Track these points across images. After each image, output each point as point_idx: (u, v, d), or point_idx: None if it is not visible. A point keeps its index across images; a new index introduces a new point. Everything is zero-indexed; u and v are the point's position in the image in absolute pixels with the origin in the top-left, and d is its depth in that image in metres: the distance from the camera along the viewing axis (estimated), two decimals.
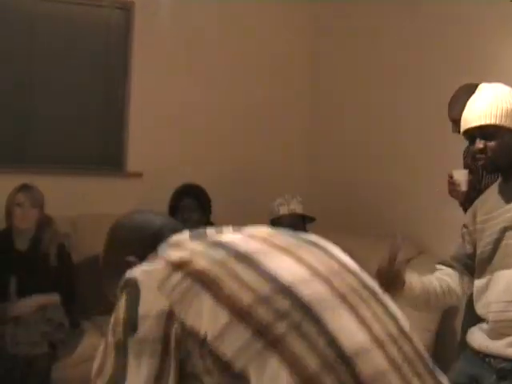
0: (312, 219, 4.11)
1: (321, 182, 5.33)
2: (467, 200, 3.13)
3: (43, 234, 4.05)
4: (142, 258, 1.48)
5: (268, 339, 1.21)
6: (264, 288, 1.27)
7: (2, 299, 3.87)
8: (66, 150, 4.98)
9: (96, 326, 4.19)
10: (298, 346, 1.21)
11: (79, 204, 4.79)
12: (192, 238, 1.44)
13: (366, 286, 1.39)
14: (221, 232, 1.46)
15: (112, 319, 1.41)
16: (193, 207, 4.27)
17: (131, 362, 1.30)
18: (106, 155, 5.11)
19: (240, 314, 1.24)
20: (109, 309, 4.88)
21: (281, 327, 1.22)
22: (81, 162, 5.03)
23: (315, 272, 1.34)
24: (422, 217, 4.33)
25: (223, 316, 1.24)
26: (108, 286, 1.64)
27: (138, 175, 5.03)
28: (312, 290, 1.29)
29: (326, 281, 1.33)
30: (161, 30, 5.05)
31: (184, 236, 1.46)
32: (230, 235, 1.44)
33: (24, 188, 3.99)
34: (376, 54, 4.85)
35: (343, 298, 1.31)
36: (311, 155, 5.44)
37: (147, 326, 1.29)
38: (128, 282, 1.37)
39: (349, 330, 1.26)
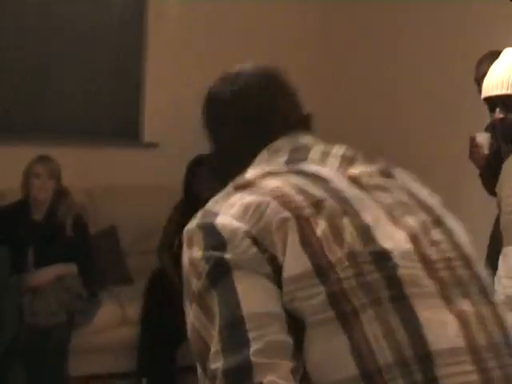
0: None
1: None
2: (487, 165, 3.08)
3: (59, 204, 4.06)
4: None
5: (341, 311, 1.07)
6: (359, 247, 1.11)
7: (20, 270, 3.90)
8: (83, 121, 4.98)
9: (113, 296, 4.23)
10: (371, 329, 1.06)
11: (95, 175, 4.80)
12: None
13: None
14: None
15: (186, 268, 1.20)
16: (209, 177, 4.26)
17: (236, 285, 1.10)
18: (122, 126, 5.11)
19: (322, 270, 1.09)
20: (124, 279, 4.93)
21: (360, 301, 1.08)
22: (97, 133, 5.03)
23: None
24: (437, 174, 4.30)
25: (304, 263, 1.09)
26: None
27: (154, 146, 5.03)
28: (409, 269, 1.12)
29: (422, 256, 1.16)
30: (178, 1, 5.01)
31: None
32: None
33: (41, 159, 4.00)
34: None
35: (441, 284, 1.14)
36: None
37: (237, 247, 1.13)
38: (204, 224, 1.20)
39: (439, 323, 1.09)
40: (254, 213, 1.15)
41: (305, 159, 1.28)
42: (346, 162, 1.28)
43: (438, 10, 4.42)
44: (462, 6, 4.20)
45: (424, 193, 1.30)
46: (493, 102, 2.26)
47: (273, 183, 1.20)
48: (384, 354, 1.05)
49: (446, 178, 4.18)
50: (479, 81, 3.09)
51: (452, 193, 4.07)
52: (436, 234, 1.20)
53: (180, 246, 4.29)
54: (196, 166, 4.30)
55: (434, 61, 4.46)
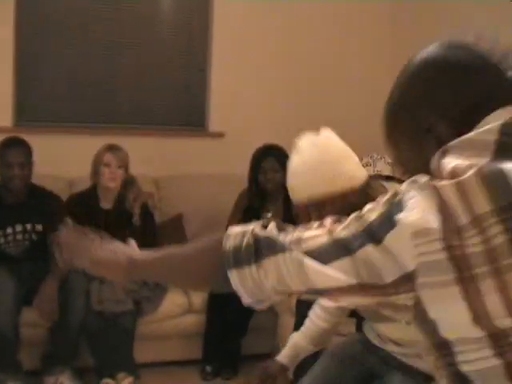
0: (400, 181, 4.02)
1: None
2: None
3: (127, 193, 4.11)
4: None
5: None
6: None
7: None
8: (150, 110, 5.03)
9: None
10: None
11: (162, 164, 4.84)
12: None
13: None
14: None
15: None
16: (275, 167, 4.24)
17: None
18: (189, 116, 5.14)
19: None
20: None
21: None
22: (164, 123, 5.07)
23: None
24: None
25: None
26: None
27: (220, 135, 5.04)
28: None
29: None
30: None
31: None
32: None
33: (111, 148, 4.05)
34: None
35: None
36: None
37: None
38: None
39: None
40: None
41: None
42: None
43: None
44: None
45: None
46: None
47: None
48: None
49: None
50: None
51: None
52: None
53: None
54: (262, 156, 4.28)
55: None
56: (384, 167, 3.90)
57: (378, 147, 4.57)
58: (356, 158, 2.15)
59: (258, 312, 4.12)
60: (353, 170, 2.11)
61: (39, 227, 3.94)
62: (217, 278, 1.29)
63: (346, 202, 2.02)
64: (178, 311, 4.11)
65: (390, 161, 3.92)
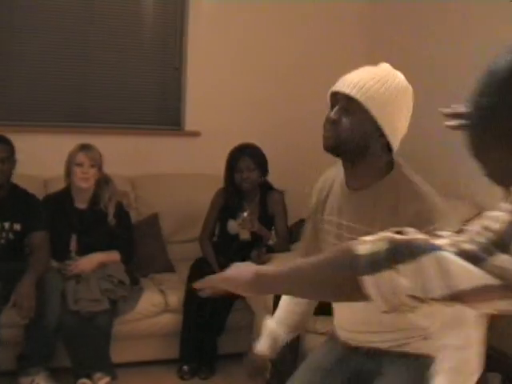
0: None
1: None
2: None
3: (102, 192, 4.10)
4: None
5: None
6: None
7: (63, 257, 3.95)
8: (125, 109, 5.01)
9: (154, 283, 4.26)
10: None
11: (138, 163, 4.83)
12: None
13: None
14: None
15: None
16: (251, 167, 4.26)
17: None
18: (164, 115, 5.13)
19: None
20: (166, 267, 4.96)
21: None
22: (139, 122, 5.06)
23: None
24: (481, 176, 4.23)
25: None
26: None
27: (196, 134, 5.03)
28: None
29: None
30: None
31: None
32: None
33: (83, 148, 4.04)
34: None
35: None
36: None
37: None
38: None
39: None
40: None
41: None
42: None
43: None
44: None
45: None
46: (335, 99, 2.07)
47: None
48: None
49: None
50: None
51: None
52: None
53: (220, 235, 4.28)
54: (238, 155, 4.29)
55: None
56: None
57: None
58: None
59: (235, 311, 4.14)
60: (403, 126, 2.09)
61: (18, 226, 3.91)
62: (346, 288, 1.29)
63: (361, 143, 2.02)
64: (155, 311, 4.10)
65: None
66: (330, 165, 3.93)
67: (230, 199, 4.32)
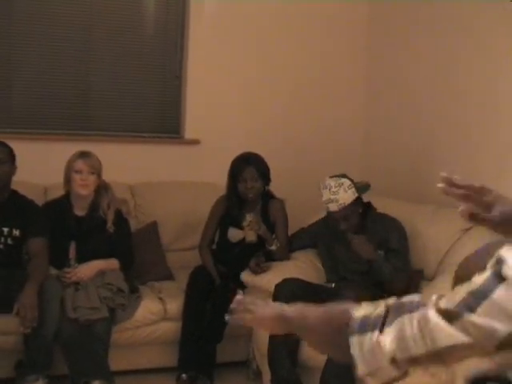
0: (366, 187, 4.01)
1: (379, 148, 5.25)
2: None
3: (101, 200, 4.10)
4: None
5: None
6: None
7: (62, 264, 3.94)
8: (125, 117, 5.02)
9: (153, 291, 4.25)
10: None
11: (137, 171, 4.83)
12: None
13: None
14: None
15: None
16: (255, 177, 4.24)
17: None
18: (164, 123, 5.14)
19: None
20: (165, 275, 4.95)
21: None
22: (139, 130, 5.06)
23: None
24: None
25: None
26: None
27: (196, 142, 5.04)
28: None
29: None
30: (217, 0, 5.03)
31: None
32: None
33: (82, 155, 4.04)
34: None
35: None
36: (367, 129, 5.37)
37: None
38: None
39: None
40: None
41: None
42: None
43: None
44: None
45: None
46: None
47: None
48: None
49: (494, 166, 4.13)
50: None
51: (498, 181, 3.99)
52: None
53: (219, 243, 4.30)
54: (242, 165, 4.26)
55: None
56: (346, 196, 3.85)
57: (351, 154, 4.63)
58: None
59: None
60: None
61: (17, 232, 3.91)
62: (339, 346, 1.31)
63: None
64: (154, 318, 4.10)
65: (348, 183, 3.91)
66: (328, 174, 3.96)
67: (232, 208, 4.31)
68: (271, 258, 4.17)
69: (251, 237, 4.13)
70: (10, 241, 3.91)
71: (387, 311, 1.25)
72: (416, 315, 1.21)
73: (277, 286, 3.73)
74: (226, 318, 1.64)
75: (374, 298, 3.87)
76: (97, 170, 4.04)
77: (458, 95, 4.46)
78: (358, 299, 3.72)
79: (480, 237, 3.81)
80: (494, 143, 4.14)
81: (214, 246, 4.45)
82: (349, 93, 5.35)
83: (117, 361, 3.91)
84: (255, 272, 4.03)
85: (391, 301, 1.28)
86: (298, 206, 4.58)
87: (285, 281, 3.74)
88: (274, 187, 4.39)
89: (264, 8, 5.08)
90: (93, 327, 3.76)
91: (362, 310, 1.30)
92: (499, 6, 3.88)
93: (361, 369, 1.26)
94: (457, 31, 4.41)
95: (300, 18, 5.19)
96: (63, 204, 4.10)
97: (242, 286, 4.12)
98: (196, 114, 5.04)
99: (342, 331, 1.29)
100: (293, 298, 3.54)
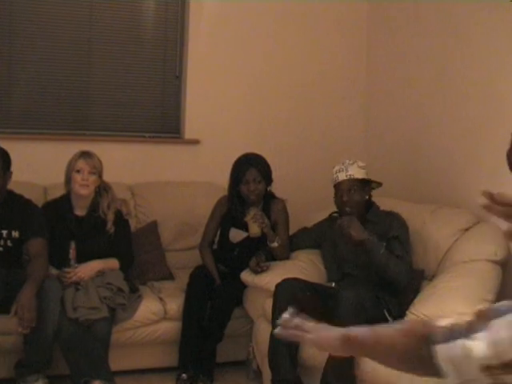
0: (378, 184, 4.04)
1: (379, 148, 5.25)
2: None
3: (101, 200, 4.10)
4: None
5: None
6: None
7: (62, 264, 3.94)
8: (125, 117, 5.02)
9: (153, 291, 4.25)
10: None
11: (137, 171, 4.83)
12: None
13: None
14: None
15: None
16: (258, 178, 4.22)
17: None
18: (164, 123, 5.14)
19: None
20: (165, 275, 4.95)
21: None
22: (139, 130, 5.06)
23: None
24: (481, 186, 4.23)
25: None
26: None
27: (196, 142, 5.04)
28: None
29: None
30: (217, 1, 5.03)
31: None
32: None
33: (83, 155, 4.03)
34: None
35: None
36: (367, 128, 5.37)
37: None
38: None
39: None
40: None
41: None
42: None
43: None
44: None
45: None
46: None
47: None
48: None
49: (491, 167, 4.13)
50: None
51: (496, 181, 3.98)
52: None
53: (220, 243, 4.31)
54: (245, 166, 4.23)
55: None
56: (356, 171, 3.92)
57: (351, 154, 4.63)
58: None
59: (234, 319, 4.13)
60: None
61: (16, 234, 3.91)
62: (421, 359, 1.27)
63: None
64: (154, 318, 4.10)
65: (362, 164, 3.96)
66: (330, 174, 3.96)
67: (234, 209, 4.30)
68: (271, 257, 4.17)
69: (255, 230, 4.11)
70: (9, 243, 3.90)
71: (477, 317, 1.21)
72: (506, 319, 1.16)
73: (277, 285, 3.72)
74: (276, 331, 1.61)
75: (374, 297, 3.86)
76: (98, 171, 4.04)
77: (459, 94, 4.46)
78: (359, 298, 3.71)
79: (480, 237, 3.84)
80: (494, 142, 4.14)
81: (215, 246, 4.45)
82: (349, 92, 5.35)
83: (117, 361, 3.91)
84: (255, 271, 4.03)
85: (480, 306, 1.24)
86: (299, 206, 4.58)
87: (285, 280, 3.74)
88: (275, 187, 4.39)
89: (264, 8, 5.08)
90: (93, 327, 3.76)
91: (446, 320, 1.27)
92: (499, 5, 3.88)
93: (452, 378, 1.22)
94: (457, 31, 4.40)
95: (300, 18, 5.20)
96: (63, 204, 4.10)
97: (242, 286, 4.13)
98: (196, 114, 5.04)
99: (426, 342, 1.25)
100: (293, 298, 3.55)
